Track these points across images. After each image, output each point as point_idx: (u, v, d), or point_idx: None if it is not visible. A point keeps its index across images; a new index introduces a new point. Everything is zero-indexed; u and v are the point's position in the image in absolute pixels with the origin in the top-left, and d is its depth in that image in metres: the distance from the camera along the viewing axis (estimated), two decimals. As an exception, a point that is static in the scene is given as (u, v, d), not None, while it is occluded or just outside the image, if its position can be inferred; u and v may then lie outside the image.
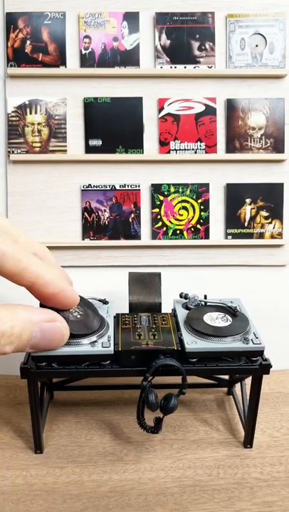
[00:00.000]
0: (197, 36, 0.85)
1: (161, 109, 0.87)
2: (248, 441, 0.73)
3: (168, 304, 0.79)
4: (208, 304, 0.76)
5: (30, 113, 0.86)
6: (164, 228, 0.90)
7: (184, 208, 0.89)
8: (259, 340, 0.66)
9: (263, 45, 0.85)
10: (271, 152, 0.88)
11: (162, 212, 0.89)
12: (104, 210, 0.89)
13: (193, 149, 0.88)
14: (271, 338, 0.74)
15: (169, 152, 0.88)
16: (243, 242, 0.90)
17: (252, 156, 0.88)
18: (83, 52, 0.85)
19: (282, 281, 0.93)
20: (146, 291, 0.78)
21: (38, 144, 0.87)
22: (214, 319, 0.71)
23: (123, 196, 0.89)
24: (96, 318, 0.69)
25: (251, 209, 0.89)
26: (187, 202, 0.89)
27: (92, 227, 0.89)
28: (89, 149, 0.87)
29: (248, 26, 0.85)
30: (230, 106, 0.87)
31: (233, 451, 0.72)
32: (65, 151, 0.87)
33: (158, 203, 0.89)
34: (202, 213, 0.90)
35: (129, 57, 0.85)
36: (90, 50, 0.85)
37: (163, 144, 0.88)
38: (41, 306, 0.33)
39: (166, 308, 0.78)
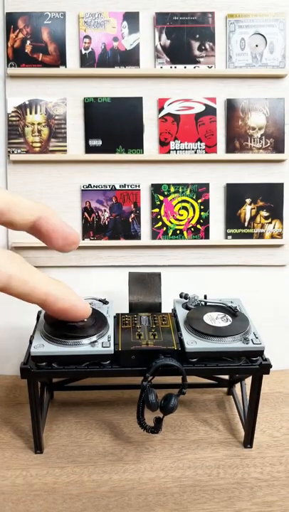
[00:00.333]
0: (197, 36, 0.85)
1: (161, 109, 0.87)
2: (248, 441, 0.73)
3: (168, 304, 0.79)
4: (208, 303, 0.76)
5: (30, 113, 0.86)
6: (164, 228, 0.90)
7: (184, 208, 0.89)
8: (259, 340, 0.66)
9: (263, 45, 0.85)
10: (271, 152, 0.88)
11: (162, 212, 0.89)
12: (104, 210, 0.89)
13: (193, 149, 0.88)
14: (271, 338, 0.74)
15: (169, 152, 0.88)
16: (243, 242, 0.90)
17: (252, 156, 0.88)
18: (83, 52, 0.85)
19: (282, 281, 0.93)
20: (146, 291, 0.78)
21: (38, 144, 0.87)
22: (214, 319, 0.71)
23: (123, 196, 0.89)
24: (98, 321, 0.69)
25: (251, 209, 0.89)
26: (187, 202, 0.89)
27: (92, 227, 0.89)
28: (89, 149, 0.87)
29: (248, 26, 0.85)
30: (230, 106, 0.87)
31: (233, 451, 0.72)
32: (65, 151, 0.87)
33: (158, 203, 0.89)
34: (202, 213, 0.90)
35: (129, 57, 0.85)
36: (90, 50, 0.85)
37: (163, 144, 0.88)
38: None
39: (166, 308, 0.78)
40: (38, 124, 0.86)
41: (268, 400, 0.85)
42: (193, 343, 0.66)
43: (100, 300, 0.77)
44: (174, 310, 0.78)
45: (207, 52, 0.85)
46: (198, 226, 0.90)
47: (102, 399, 0.86)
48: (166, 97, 0.87)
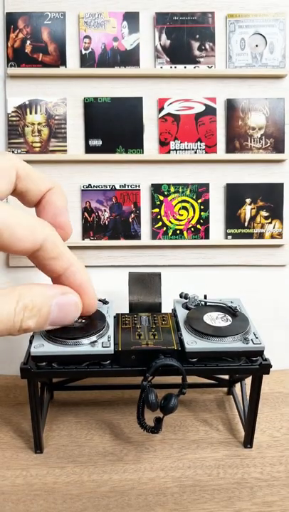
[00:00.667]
0: (197, 36, 0.85)
1: (161, 109, 0.87)
2: (248, 441, 0.73)
3: (168, 303, 0.79)
4: (208, 303, 0.76)
5: (30, 113, 0.86)
6: (164, 228, 0.90)
7: (184, 208, 0.89)
8: (259, 340, 0.66)
9: (263, 45, 0.85)
10: (271, 152, 0.88)
11: (162, 212, 0.89)
12: (105, 210, 0.89)
13: (193, 149, 0.88)
14: (271, 338, 0.74)
15: (169, 152, 0.88)
16: (243, 242, 0.90)
17: (252, 156, 0.88)
18: (83, 52, 0.85)
19: (282, 281, 0.93)
20: (146, 291, 0.78)
21: (38, 144, 0.87)
22: (214, 319, 0.71)
23: (123, 196, 0.89)
24: (99, 321, 0.69)
25: (251, 209, 0.89)
26: (187, 202, 0.89)
27: (92, 227, 0.89)
28: (89, 149, 0.87)
29: (248, 26, 0.85)
30: (230, 106, 0.87)
31: (233, 451, 0.72)
32: (65, 151, 0.87)
33: (158, 203, 0.89)
34: (202, 213, 0.90)
35: (129, 57, 0.85)
36: (90, 50, 0.85)
37: (163, 144, 0.88)
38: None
39: (166, 308, 0.78)
40: (38, 124, 0.86)
41: (268, 399, 0.85)
42: (193, 343, 0.66)
43: (100, 300, 0.77)
44: (174, 310, 0.78)
45: (207, 52, 0.85)
46: (198, 226, 0.90)
47: (102, 399, 0.86)
48: (166, 97, 0.87)
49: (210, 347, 0.65)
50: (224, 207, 0.90)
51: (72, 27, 0.85)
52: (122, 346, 0.66)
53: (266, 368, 0.66)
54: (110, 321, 0.71)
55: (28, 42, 0.84)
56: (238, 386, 0.83)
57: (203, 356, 0.66)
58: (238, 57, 0.85)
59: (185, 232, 0.90)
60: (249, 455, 0.71)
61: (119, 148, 0.87)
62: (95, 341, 0.65)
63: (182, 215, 0.89)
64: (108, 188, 0.88)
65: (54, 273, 0.31)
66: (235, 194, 0.89)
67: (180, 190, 0.89)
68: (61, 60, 0.85)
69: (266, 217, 0.90)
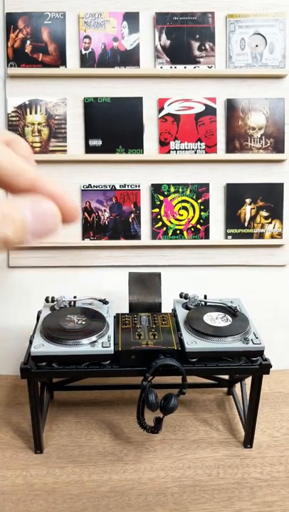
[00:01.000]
0: (197, 36, 0.85)
1: (161, 109, 0.87)
2: (248, 441, 0.73)
3: (168, 304, 0.79)
4: (208, 303, 0.76)
5: (30, 113, 0.86)
6: (164, 228, 0.90)
7: (184, 208, 0.89)
8: (259, 340, 0.66)
9: (263, 45, 0.85)
10: (271, 152, 0.88)
11: (162, 212, 0.89)
12: (104, 210, 0.89)
13: (193, 149, 0.88)
14: (271, 338, 0.74)
15: (169, 152, 0.88)
16: (243, 242, 0.90)
17: (252, 156, 0.88)
18: (83, 52, 0.85)
19: (282, 281, 0.93)
20: (146, 291, 0.78)
21: (38, 144, 0.87)
22: (214, 319, 0.71)
23: (123, 196, 0.89)
24: (99, 321, 0.69)
25: (251, 209, 0.89)
26: (187, 202, 0.89)
27: (92, 227, 0.89)
28: (89, 149, 0.87)
29: (248, 26, 0.85)
30: (230, 106, 0.87)
31: (233, 451, 0.72)
32: (65, 151, 0.87)
33: (158, 203, 0.89)
34: (202, 213, 0.89)
35: (129, 57, 0.85)
36: (90, 50, 0.85)
37: (163, 144, 0.88)
38: None
39: (166, 308, 0.78)
40: (38, 124, 0.86)
41: (268, 400, 0.85)
42: (193, 343, 0.66)
43: (100, 300, 0.77)
44: (174, 310, 0.78)
45: (207, 53, 0.85)
46: (198, 226, 0.90)
47: (102, 399, 0.86)
48: (166, 97, 0.87)
49: (210, 347, 0.65)
50: (224, 207, 0.90)
51: (72, 27, 0.85)
52: (122, 346, 0.66)
53: (266, 368, 0.66)
54: (110, 321, 0.71)
55: (28, 42, 0.84)
56: (238, 386, 0.83)
57: (203, 356, 0.66)
58: (238, 57, 0.85)
59: (185, 232, 0.90)
60: (249, 455, 0.71)
61: (119, 148, 0.87)
62: (95, 341, 0.65)
63: (182, 215, 0.89)
64: (108, 188, 0.88)
65: (19, 188, 0.30)
66: (235, 194, 0.89)
67: (180, 190, 0.89)
68: (61, 60, 0.85)
69: (266, 217, 0.90)
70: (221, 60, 0.86)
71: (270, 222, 0.90)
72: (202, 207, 0.89)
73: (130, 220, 0.89)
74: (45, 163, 0.87)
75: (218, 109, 0.87)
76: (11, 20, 0.84)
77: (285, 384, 0.90)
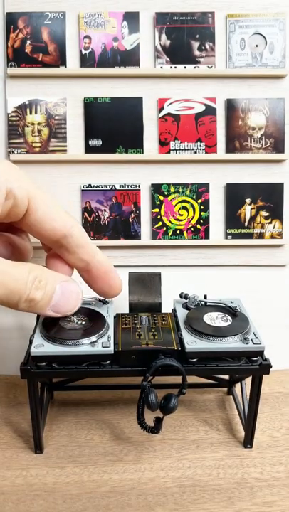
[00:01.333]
0: (197, 36, 0.85)
1: (161, 109, 0.87)
2: (248, 441, 0.73)
3: (168, 304, 0.79)
4: (208, 303, 0.76)
5: (30, 113, 0.86)
6: (164, 228, 0.90)
7: (184, 208, 0.89)
8: (259, 340, 0.66)
9: (263, 45, 0.85)
10: (271, 152, 0.88)
11: (162, 212, 0.89)
12: (104, 210, 0.89)
13: (193, 149, 0.88)
14: (271, 338, 0.74)
15: (169, 152, 0.88)
16: (243, 242, 0.90)
17: (252, 156, 0.88)
18: (83, 52, 0.85)
19: (282, 281, 0.93)
20: (146, 291, 0.78)
21: (38, 144, 0.87)
22: (214, 319, 0.71)
23: (123, 196, 0.89)
24: (99, 321, 0.69)
25: (251, 209, 0.89)
26: (187, 202, 0.89)
27: (92, 227, 0.89)
28: (89, 149, 0.87)
29: (248, 26, 0.85)
30: (230, 106, 0.87)
31: (233, 451, 0.72)
32: (65, 151, 0.87)
33: (158, 203, 0.89)
34: (202, 213, 0.90)
35: (129, 57, 0.85)
36: (90, 50, 0.85)
37: (163, 144, 0.88)
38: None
39: (166, 308, 0.78)
40: (38, 124, 0.86)
41: (268, 400, 0.85)
42: (193, 343, 0.66)
43: (100, 300, 0.77)
44: (174, 310, 0.78)
45: (207, 53, 0.85)
46: (198, 226, 0.90)
47: (102, 399, 0.86)
48: (166, 97, 0.87)
49: (210, 347, 0.65)
50: (224, 207, 0.90)
51: (72, 27, 0.85)
52: (122, 346, 0.66)
53: (266, 368, 0.67)
54: (110, 321, 0.71)
55: (28, 42, 0.84)
56: (238, 386, 0.83)
57: (203, 356, 0.66)
58: (238, 57, 0.85)
59: (185, 232, 0.90)
60: (249, 455, 0.71)
61: (119, 148, 0.87)
62: (95, 341, 0.65)
63: (182, 215, 0.89)
64: (108, 188, 0.88)
65: (82, 261, 0.33)
66: (235, 194, 0.89)
67: (180, 190, 0.89)
68: (61, 60, 0.85)
69: (266, 217, 0.90)
70: (221, 60, 0.86)
71: (270, 222, 0.90)
72: (202, 207, 0.89)
73: (130, 220, 0.89)
74: (45, 163, 0.87)
75: (218, 109, 0.87)
76: (11, 20, 0.84)
77: (285, 384, 0.90)
